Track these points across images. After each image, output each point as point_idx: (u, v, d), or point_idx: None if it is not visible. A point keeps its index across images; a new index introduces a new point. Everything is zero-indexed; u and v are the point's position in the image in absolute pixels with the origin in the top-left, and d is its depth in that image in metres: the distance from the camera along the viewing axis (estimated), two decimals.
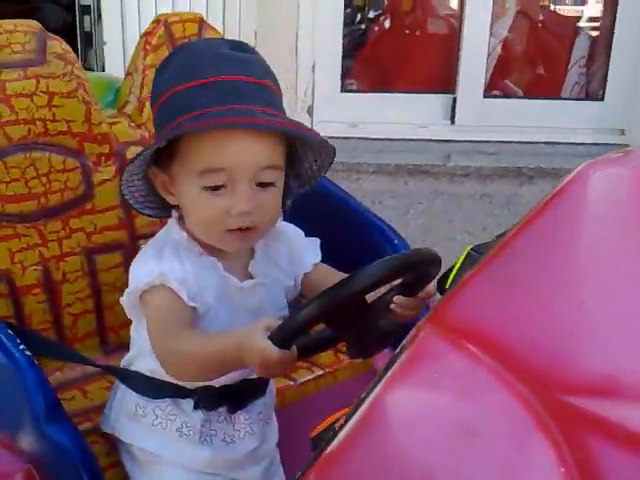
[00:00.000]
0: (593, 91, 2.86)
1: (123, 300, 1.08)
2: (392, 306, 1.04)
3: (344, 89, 2.62)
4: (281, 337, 0.93)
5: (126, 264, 1.45)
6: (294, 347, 0.95)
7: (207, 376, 1.05)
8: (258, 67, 1.02)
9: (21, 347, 1.11)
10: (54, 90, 1.37)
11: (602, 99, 2.72)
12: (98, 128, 1.42)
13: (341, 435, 0.76)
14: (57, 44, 1.39)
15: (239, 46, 1.05)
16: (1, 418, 1.16)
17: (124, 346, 1.44)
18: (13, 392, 1.12)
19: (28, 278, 1.37)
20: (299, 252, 1.16)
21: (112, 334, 1.47)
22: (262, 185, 1.02)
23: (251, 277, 1.11)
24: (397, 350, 0.84)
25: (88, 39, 2.75)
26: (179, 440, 1.12)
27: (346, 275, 1.00)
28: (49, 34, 1.39)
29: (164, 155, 1.03)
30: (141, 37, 1.52)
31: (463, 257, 0.93)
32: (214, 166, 0.99)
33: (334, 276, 1.09)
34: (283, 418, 1.26)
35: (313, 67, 2.46)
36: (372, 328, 1.01)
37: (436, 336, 0.82)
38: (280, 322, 0.95)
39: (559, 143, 2.65)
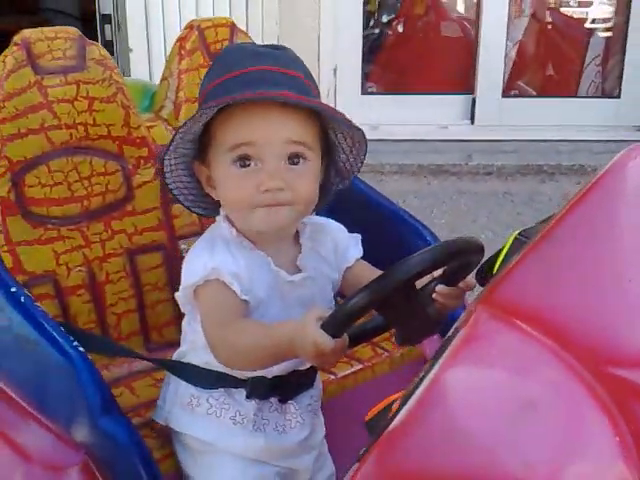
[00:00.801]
0: (609, 89, 2.88)
1: (178, 295, 1.11)
2: (434, 295, 1.06)
3: (364, 92, 2.66)
4: (333, 325, 0.95)
5: (166, 264, 1.49)
6: (345, 335, 0.97)
7: (260, 366, 1.08)
8: (286, 59, 1.05)
9: (74, 344, 1.14)
10: (94, 95, 1.40)
11: (618, 96, 2.74)
12: (137, 132, 1.45)
13: (401, 415, 0.78)
14: (96, 50, 1.42)
15: (274, 46, 1.09)
16: (58, 412, 1.18)
17: (167, 344, 1.47)
18: (68, 387, 1.14)
19: (73, 279, 1.40)
20: (343, 246, 1.19)
21: (155, 333, 1.49)
22: (293, 162, 1.04)
23: (300, 271, 1.13)
24: (450, 332, 0.86)
25: (109, 48, 2.80)
26: (233, 428, 1.14)
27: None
28: (88, 40, 1.43)
29: (204, 148, 1.07)
30: (175, 43, 1.55)
31: (510, 242, 0.95)
32: (242, 139, 1.02)
33: (374, 273, 1.10)
34: (326, 411, 1.28)
35: (334, 70, 2.50)
36: (420, 315, 1.03)
37: (489, 317, 0.83)
38: (330, 312, 0.97)
39: (578, 140, 2.67)
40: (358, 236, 1.20)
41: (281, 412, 1.16)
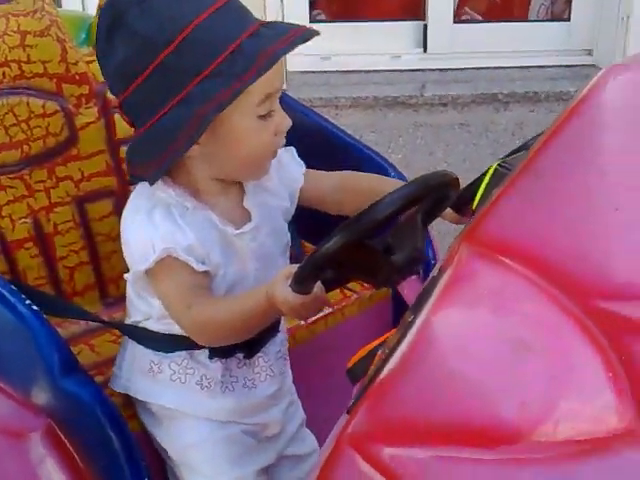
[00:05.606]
0: (559, 12, 2.84)
1: (127, 277, 1.06)
2: None
3: (312, 19, 2.54)
4: (300, 283, 0.92)
5: (118, 212, 1.39)
6: (319, 284, 0.93)
7: (242, 336, 1.04)
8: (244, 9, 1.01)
9: (27, 302, 1.07)
10: (26, 29, 1.30)
11: (568, 19, 2.70)
12: (75, 68, 1.35)
13: (391, 363, 0.75)
14: None
15: None
16: (15, 376, 1.13)
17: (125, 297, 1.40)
18: (25, 349, 1.09)
19: (18, 232, 1.32)
20: (285, 167, 1.14)
21: (112, 285, 1.43)
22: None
23: (248, 214, 1.08)
24: (434, 272, 0.83)
25: None
26: (200, 392, 1.10)
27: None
28: None
29: None
30: None
31: (490, 174, 0.91)
32: (272, 90, 0.99)
33: (325, 178, 1.16)
34: (296, 358, 1.25)
35: None
36: (385, 264, 0.97)
37: (473, 255, 0.81)
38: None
39: (529, 67, 2.64)
40: (291, 149, 1.15)
41: (250, 366, 1.13)
